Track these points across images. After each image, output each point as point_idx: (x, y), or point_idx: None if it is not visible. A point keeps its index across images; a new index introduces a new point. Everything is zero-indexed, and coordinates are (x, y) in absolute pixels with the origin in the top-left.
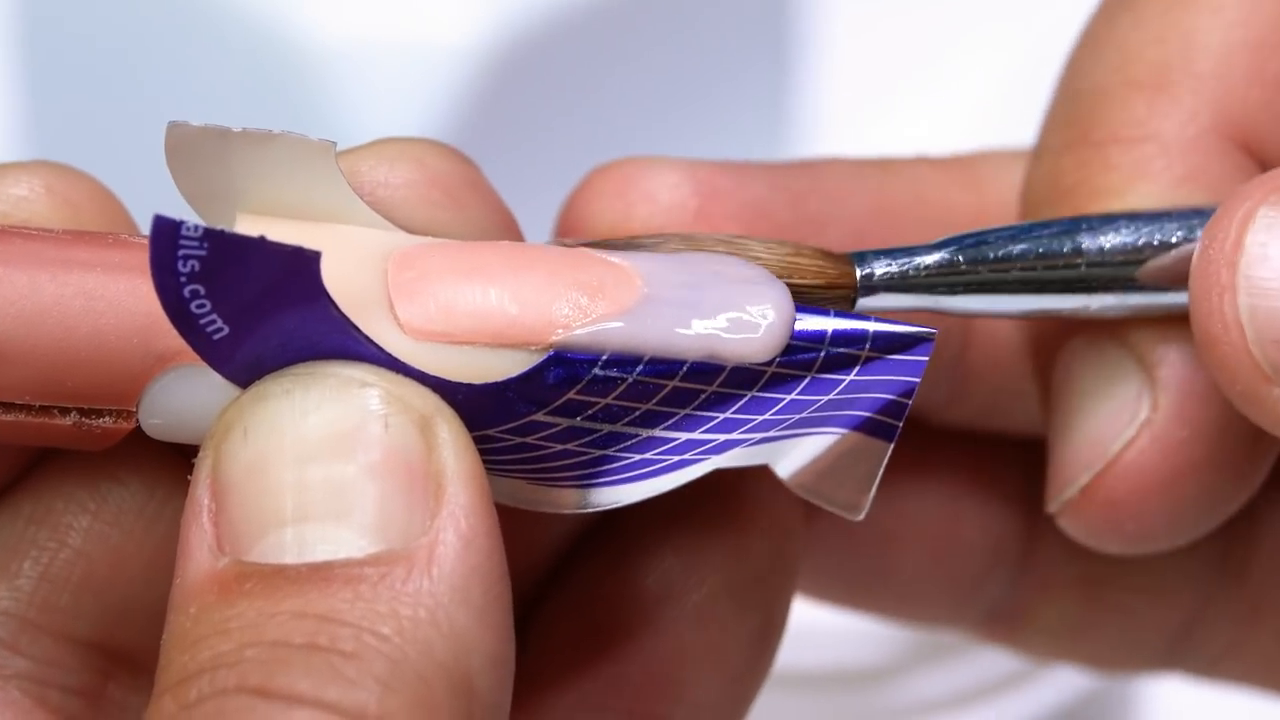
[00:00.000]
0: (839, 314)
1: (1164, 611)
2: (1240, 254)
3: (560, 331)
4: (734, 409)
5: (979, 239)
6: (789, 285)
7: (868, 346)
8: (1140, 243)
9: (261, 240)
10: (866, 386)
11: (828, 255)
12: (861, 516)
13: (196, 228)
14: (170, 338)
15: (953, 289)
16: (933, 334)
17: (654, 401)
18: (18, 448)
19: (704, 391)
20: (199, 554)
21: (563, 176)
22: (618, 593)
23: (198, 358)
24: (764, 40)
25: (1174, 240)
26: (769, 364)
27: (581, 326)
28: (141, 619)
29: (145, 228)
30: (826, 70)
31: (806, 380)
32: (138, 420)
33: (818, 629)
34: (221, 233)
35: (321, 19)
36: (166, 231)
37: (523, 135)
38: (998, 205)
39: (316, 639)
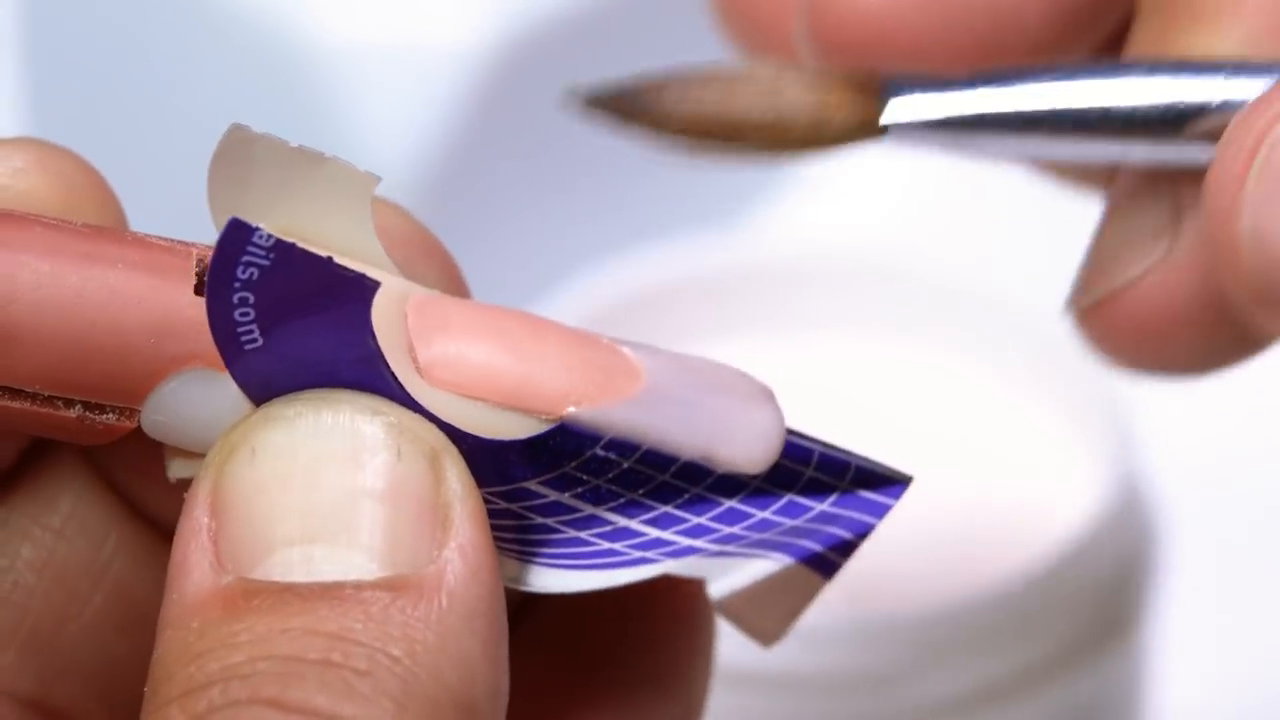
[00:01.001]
0: (825, 444)
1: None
2: (1248, 175)
3: (571, 406)
4: (709, 515)
5: (1018, 77)
6: (820, 130)
7: (848, 478)
8: (1181, 100)
9: (329, 261)
10: (832, 519)
11: (859, 94)
12: (771, 647)
13: (269, 237)
14: (185, 340)
15: (983, 132)
16: (909, 479)
17: (640, 492)
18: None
19: (689, 491)
20: (199, 571)
21: (564, 180)
22: (538, 681)
23: (207, 363)
24: None
25: (1214, 102)
26: (756, 476)
27: (590, 403)
28: (80, 680)
29: (142, 224)
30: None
31: (784, 500)
32: (140, 419)
33: (817, 630)
34: (292, 245)
35: (324, 21)
36: (237, 233)
37: (525, 138)
38: None
39: (330, 655)
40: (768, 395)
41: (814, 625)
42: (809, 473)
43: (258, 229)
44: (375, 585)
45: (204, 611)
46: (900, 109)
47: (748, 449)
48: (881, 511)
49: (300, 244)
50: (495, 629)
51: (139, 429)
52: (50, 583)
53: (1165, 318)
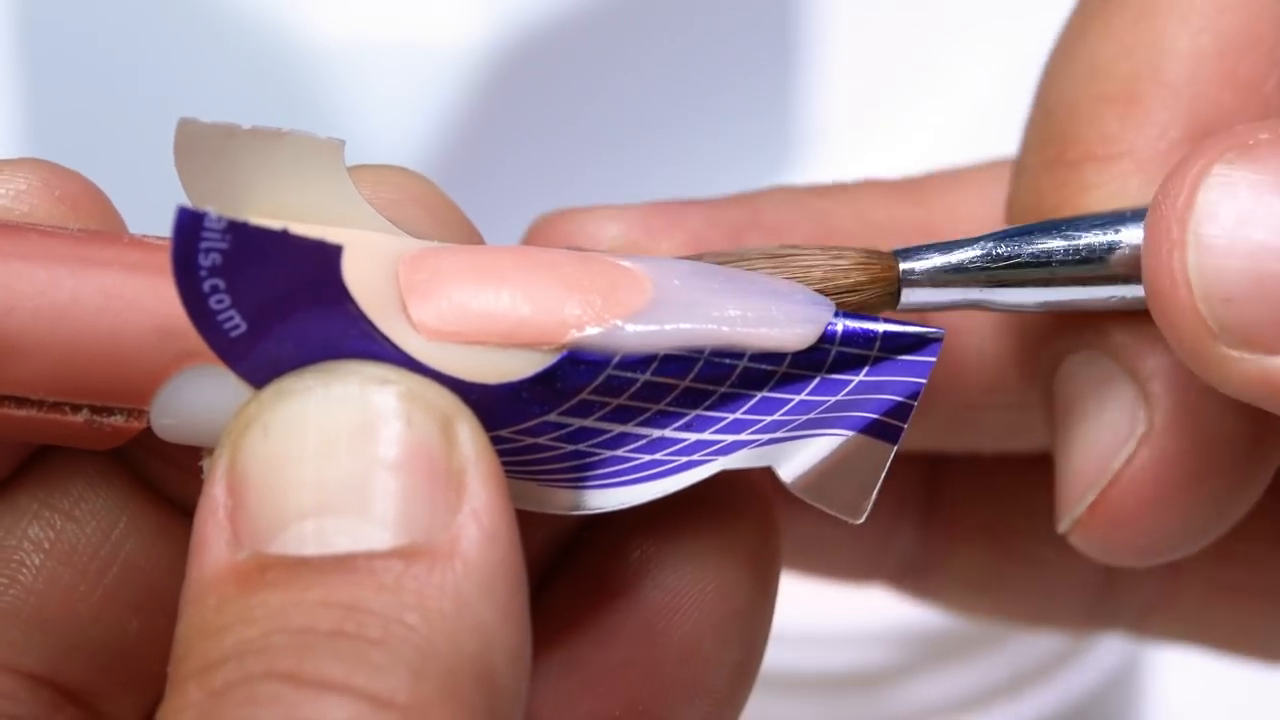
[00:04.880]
0: (849, 314)
1: (1080, 561)
2: (1191, 211)
3: (574, 331)
4: (744, 409)
5: (1022, 237)
6: (831, 292)
7: (877, 346)
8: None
9: (284, 233)
10: (874, 388)
11: (868, 256)
12: (862, 519)
13: (220, 219)
14: (187, 338)
15: (990, 285)
16: (940, 334)
17: (665, 402)
18: (8, 449)
19: (715, 391)
20: (216, 548)
21: (561, 178)
22: (598, 626)
23: (213, 359)
24: (766, 46)
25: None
26: (781, 363)
27: (595, 326)
28: (88, 658)
29: (139, 227)
30: (828, 76)
31: (816, 380)
32: (149, 420)
33: (818, 632)
34: (245, 224)
35: (320, 20)
36: (189, 222)
37: (522, 137)
38: (945, 222)
39: (344, 626)
40: (803, 288)
41: (812, 626)
42: (835, 349)
43: (206, 213)
44: (388, 555)
45: (221, 588)
46: (911, 267)
47: (782, 329)
48: (924, 371)
49: (253, 220)
50: (514, 593)
51: (149, 427)
52: (57, 563)
53: (1163, 490)
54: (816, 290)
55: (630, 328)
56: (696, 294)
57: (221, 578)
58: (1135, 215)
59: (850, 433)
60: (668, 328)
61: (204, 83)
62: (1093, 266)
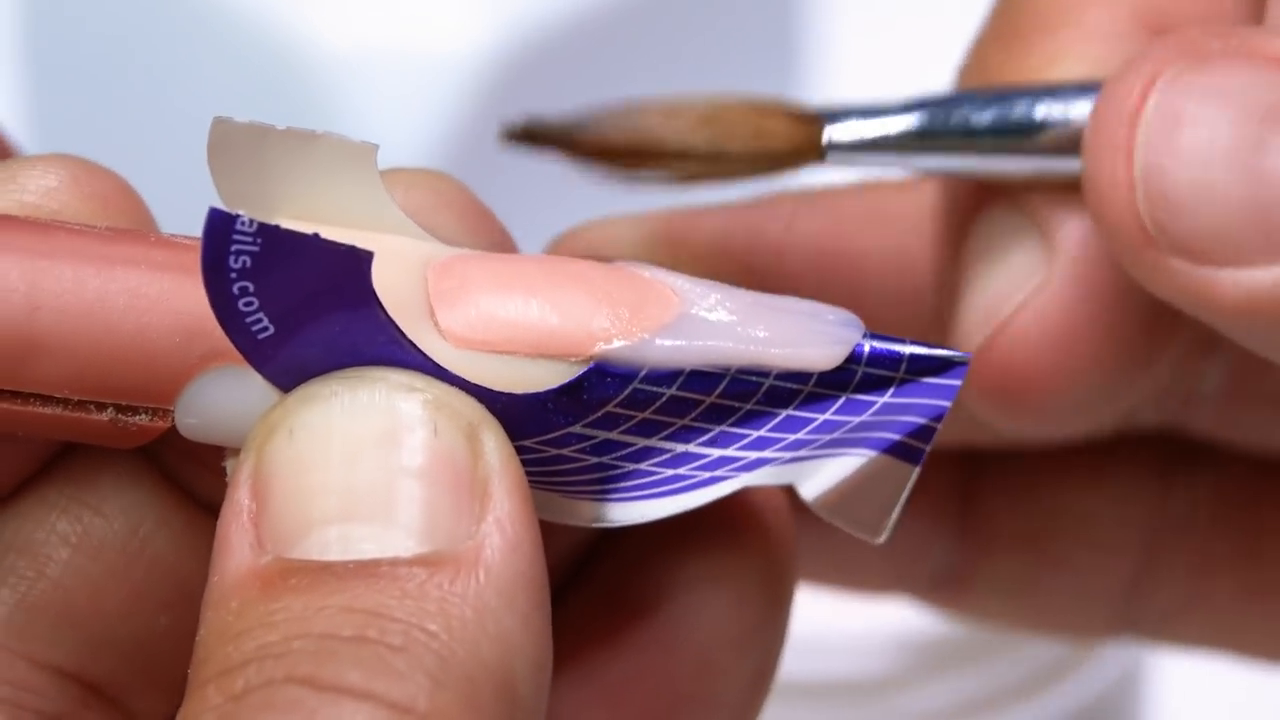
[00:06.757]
0: (875, 335)
1: (1110, 564)
2: (1140, 116)
3: (601, 344)
4: (768, 427)
5: (948, 104)
6: (760, 151)
7: (903, 368)
8: (1045, 115)
9: (315, 238)
10: (899, 409)
11: (797, 118)
12: (882, 540)
13: (251, 222)
14: (213, 339)
15: (916, 151)
16: (966, 358)
17: (690, 417)
18: (35, 445)
19: (740, 408)
20: (240, 551)
21: (565, 185)
22: (614, 637)
23: (239, 360)
24: (769, 49)
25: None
26: (807, 382)
27: (622, 339)
28: (117, 654)
29: (162, 230)
30: (831, 79)
31: (841, 400)
32: (173, 419)
33: (823, 638)
34: (276, 228)
35: (325, 26)
36: (220, 225)
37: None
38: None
39: (365, 632)
40: (841, 312)
41: (815, 631)
42: (861, 369)
43: (238, 215)
44: (412, 562)
45: (243, 592)
46: (838, 132)
47: (810, 349)
48: (949, 394)
49: (284, 223)
50: (535, 602)
51: (174, 426)
52: (85, 558)
53: (1051, 346)
54: (740, 153)
55: (658, 342)
56: (725, 312)
57: (244, 581)
58: (1068, 91)
59: (873, 453)
60: (695, 343)
61: (210, 88)
62: (1020, 140)
